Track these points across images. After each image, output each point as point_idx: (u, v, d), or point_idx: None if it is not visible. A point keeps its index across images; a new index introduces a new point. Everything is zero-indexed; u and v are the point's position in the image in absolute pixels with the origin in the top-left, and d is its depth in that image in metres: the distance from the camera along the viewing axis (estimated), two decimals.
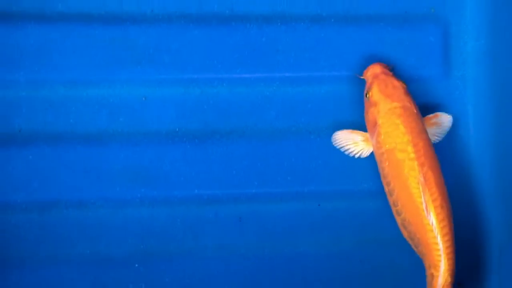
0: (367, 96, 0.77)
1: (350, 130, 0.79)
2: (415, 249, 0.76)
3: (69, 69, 0.77)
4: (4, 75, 0.76)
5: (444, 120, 0.80)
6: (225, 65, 0.79)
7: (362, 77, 0.79)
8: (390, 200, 0.76)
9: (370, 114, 0.77)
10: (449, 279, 0.73)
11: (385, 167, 0.76)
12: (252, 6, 0.80)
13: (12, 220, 0.76)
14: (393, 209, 0.76)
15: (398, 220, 0.76)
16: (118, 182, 0.77)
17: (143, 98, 0.78)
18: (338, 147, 0.79)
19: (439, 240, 0.73)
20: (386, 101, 0.76)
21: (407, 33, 0.82)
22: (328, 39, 0.81)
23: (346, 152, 0.79)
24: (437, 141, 0.80)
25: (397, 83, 0.77)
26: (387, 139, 0.75)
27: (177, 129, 0.79)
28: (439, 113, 0.80)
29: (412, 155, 0.74)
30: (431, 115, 0.79)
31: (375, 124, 0.76)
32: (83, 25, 0.77)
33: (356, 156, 0.79)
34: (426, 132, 0.76)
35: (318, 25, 0.81)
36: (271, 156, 0.80)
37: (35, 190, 0.76)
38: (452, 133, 0.81)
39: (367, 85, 0.78)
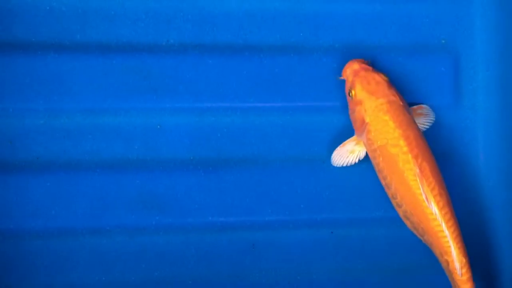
0: (351, 95, 0.77)
1: (341, 145, 0.79)
2: (420, 238, 0.76)
3: (87, 98, 0.78)
4: (23, 104, 0.77)
5: (428, 111, 0.81)
6: (239, 94, 0.80)
7: (341, 78, 0.79)
8: (389, 193, 0.77)
9: (357, 113, 0.77)
10: (464, 260, 0.74)
11: (380, 163, 0.76)
12: (266, 36, 0.81)
13: (30, 247, 0.77)
14: (393, 202, 0.77)
15: (400, 212, 0.77)
16: (133, 210, 0.78)
17: (158, 126, 0.80)
18: (340, 165, 0.79)
19: (444, 227, 0.73)
20: (371, 98, 0.76)
21: (418, 63, 0.83)
22: (340, 69, 0.82)
23: (348, 163, 0.79)
24: (425, 129, 0.80)
25: (379, 78, 0.77)
26: (377, 136, 0.75)
27: (191, 157, 0.80)
28: (424, 105, 0.81)
29: (405, 149, 0.74)
30: (416, 106, 0.80)
31: (363, 122, 0.76)
32: (100, 54, 0.79)
33: (355, 161, 0.79)
34: (415, 123, 0.76)
35: (330, 55, 0.82)
36: (284, 183, 0.81)
37: (53, 217, 0.77)
38: (462, 162, 0.82)
39: (349, 83, 0.78)
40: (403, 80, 0.83)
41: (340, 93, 0.81)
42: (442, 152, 0.81)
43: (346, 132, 0.81)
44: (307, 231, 0.80)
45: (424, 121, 0.80)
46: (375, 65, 0.81)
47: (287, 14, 0.82)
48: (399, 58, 0.83)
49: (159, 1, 0.80)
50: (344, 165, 0.79)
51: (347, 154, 0.79)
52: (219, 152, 0.80)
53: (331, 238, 0.80)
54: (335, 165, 0.80)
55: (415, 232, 0.77)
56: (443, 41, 0.84)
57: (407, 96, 0.82)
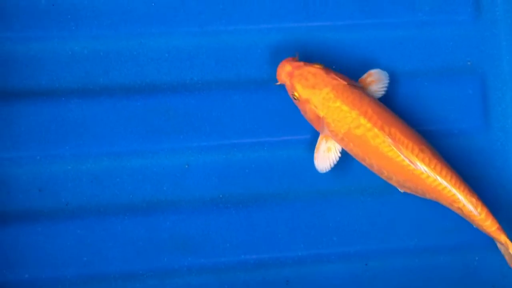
0: (295, 97, 0.76)
1: (315, 151, 0.77)
2: (423, 196, 0.75)
3: (113, 141, 0.78)
4: (50, 151, 0.77)
5: (379, 77, 0.78)
6: (266, 128, 0.79)
7: (278, 83, 0.77)
8: (375, 171, 0.76)
9: (309, 111, 0.76)
10: (473, 200, 0.73)
11: (352, 148, 0.75)
12: None
13: None
14: (382, 177, 0.76)
15: (394, 183, 0.76)
16: (165, 252, 0.77)
17: (186, 166, 0.79)
18: (326, 169, 0.78)
19: (440, 180, 0.73)
20: (315, 92, 0.74)
21: (444, 87, 0.82)
22: None
23: (334, 162, 0.77)
24: (382, 95, 0.78)
25: (313, 69, 0.75)
26: (338, 125, 0.74)
27: (220, 195, 0.79)
28: (371, 71, 0.78)
29: (369, 125, 0.73)
30: (364, 75, 0.78)
31: (318, 118, 0.75)
32: (125, 97, 0.79)
33: (339, 157, 0.77)
34: (367, 95, 0.75)
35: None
36: (315, 217, 0.80)
37: (85, 264, 0.76)
38: (495, 185, 0.81)
39: (288, 86, 0.76)
40: (431, 105, 0.82)
41: None
42: (474, 176, 0.80)
43: None
44: (341, 264, 0.79)
45: (378, 87, 0.78)
46: (391, 88, 0.80)
47: (311, 43, 0.81)
48: (425, 83, 0.82)
49: (180, 39, 0.80)
50: (332, 165, 0.77)
51: (326, 154, 0.77)
52: (248, 188, 0.79)
53: (366, 270, 0.79)
54: (324, 171, 0.78)
55: (415, 194, 0.76)
56: (469, 63, 0.83)
57: (435, 120, 0.81)
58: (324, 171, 0.78)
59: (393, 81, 0.81)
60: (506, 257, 0.76)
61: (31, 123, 0.77)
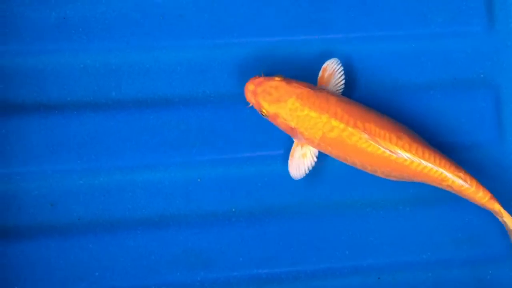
0: (264, 114, 0.75)
1: (290, 158, 0.77)
2: (412, 181, 0.75)
3: (125, 155, 0.78)
4: (62, 165, 0.77)
5: (332, 66, 0.78)
6: (278, 142, 0.79)
7: (250, 106, 0.77)
8: (358, 167, 0.75)
9: (281, 125, 0.75)
10: (461, 174, 0.73)
11: (331, 151, 0.75)
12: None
13: None
14: (367, 171, 0.76)
15: (380, 175, 0.76)
16: (177, 266, 0.77)
17: (198, 180, 0.79)
18: (301, 176, 0.77)
19: (424, 163, 0.73)
20: (280, 105, 0.74)
21: (457, 100, 0.82)
22: (378, 110, 0.81)
23: (310, 167, 0.77)
24: (343, 83, 0.77)
25: (274, 83, 0.75)
26: (311, 131, 0.74)
27: (233, 209, 0.79)
28: (324, 66, 0.78)
29: (342, 126, 0.73)
30: (320, 73, 0.78)
31: (292, 129, 0.75)
32: (137, 110, 0.78)
33: (315, 162, 0.77)
34: (331, 93, 0.75)
35: (369, 95, 0.81)
36: (327, 230, 0.79)
37: (97, 279, 0.76)
38: (509, 197, 0.80)
39: (255, 105, 0.76)
40: (443, 117, 0.81)
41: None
42: (487, 189, 0.79)
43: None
44: (354, 277, 0.79)
45: (337, 79, 0.78)
46: (408, 101, 0.80)
47: (324, 56, 0.81)
48: (438, 95, 0.82)
49: (192, 52, 0.80)
50: (307, 171, 0.77)
51: (301, 160, 0.77)
52: (260, 202, 0.79)
53: (379, 284, 0.79)
54: (299, 177, 0.77)
55: (402, 179, 0.76)
56: (481, 76, 0.82)
57: (448, 133, 0.81)
58: (299, 178, 0.77)
59: (406, 93, 0.81)
60: (509, 233, 0.76)
61: (42, 137, 0.77)
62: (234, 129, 0.79)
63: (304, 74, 0.80)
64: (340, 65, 0.78)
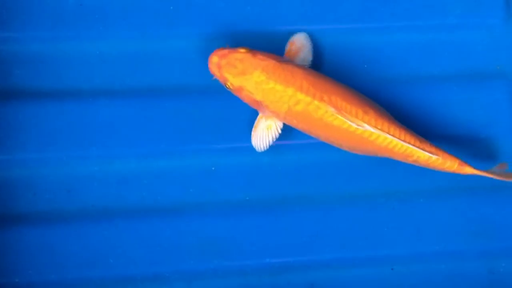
0: (229, 87, 0.75)
1: (253, 129, 0.76)
2: (376, 155, 0.75)
3: (140, 143, 0.78)
4: (77, 152, 0.77)
5: (301, 41, 0.77)
6: (293, 131, 0.79)
7: (214, 78, 0.76)
8: (323, 140, 0.75)
9: (246, 97, 0.75)
10: (426, 148, 0.73)
11: (298, 124, 0.74)
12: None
13: None
14: (333, 145, 0.75)
15: (345, 149, 0.75)
16: (191, 254, 0.77)
17: (213, 168, 0.79)
18: (264, 147, 0.77)
19: (390, 137, 0.72)
20: (245, 78, 0.73)
21: (473, 91, 0.81)
22: (394, 101, 0.80)
23: (274, 139, 0.76)
24: (311, 59, 0.77)
25: (239, 55, 0.73)
26: (276, 105, 0.73)
27: (247, 198, 0.79)
28: (292, 40, 0.77)
29: (308, 99, 0.72)
30: (287, 47, 0.77)
31: (257, 102, 0.74)
32: (152, 98, 0.78)
33: (279, 134, 0.76)
34: (299, 67, 0.74)
35: (384, 86, 0.80)
36: (341, 221, 0.79)
37: (111, 266, 0.76)
38: None
39: (220, 78, 0.75)
40: (460, 109, 0.81)
41: None
42: (502, 182, 0.79)
43: (400, 167, 0.79)
44: (367, 268, 0.79)
45: (305, 53, 0.77)
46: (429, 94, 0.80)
47: (340, 45, 0.80)
48: (454, 87, 0.81)
49: (208, 40, 0.79)
50: (270, 143, 0.77)
51: (265, 132, 0.76)
52: (274, 191, 0.79)
53: (392, 274, 0.79)
54: (262, 150, 0.77)
55: (371, 155, 0.76)
56: (498, 67, 0.82)
57: (464, 125, 0.80)
58: (262, 150, 0.77)
59: (422, 84, 0.81)
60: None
61: (58, 123, 0.77)
62: (248, 118, 0.79)
63: (318, 64, 0.80)
64: (309, 40, 0.77)
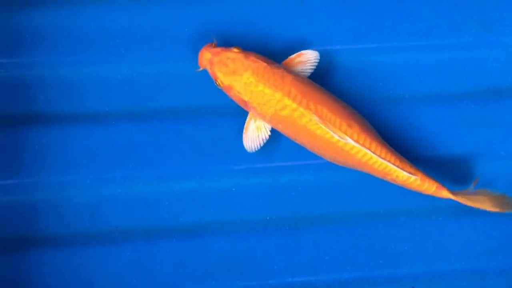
0: (218, 84, 0.75)
1: (244, 131, 0.77)
2: (356, 169, 0.75)
3: (161, 164, 0.79)
4: (101, 174, 0.78)
5: (310, 56, 0.78)
6: (311, 153, 0.79)
7: (200, 69, 0.77)
8: (308, 149, 0.76)
9: (234, 97, 0.75)
10: (406, 168, 0.73)
11: (282, 129, 0.75)
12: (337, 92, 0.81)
13: None
14: (315, 153, 0.76)
15: (327, 159, 0.76)
16: (213, 274, 0.78)
17: (233, 189, 0.79)
18: (255, 149, 0.77)
19: (370, 153, 0.72)
20: (236, 78, 0.74)
21: (491, 110, 0.82)
22: (411, 120, 0.81)
23: (264, 140, 0.77)
24: (307, 75, 0.77)
25: (232, 54, 0.74)
26: (263, 107, 0.73)
27: (267, 217, 0.80)
28: (301, 52, 0.78)
29: (294, 105, 0.72)
30: (294, 55, 0.77)
31: (245, 102, 0.75)
32: (173, 120, 0.79)
33: (269, 135, 0.77)
34: (290, 73, 0.74)
35: (402, 106, 0.81)
36: (361, 239, 0.80)
37: (135, 287, 0.77)
38: None
39: (211, 75, 0.76)
40: (477, 127, 0.81)
41: (413, 144, 0.81)
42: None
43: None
44: (388, 287, 0.79)
45: (304, 68, 0.77)
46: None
47: (357, 66, 0.81)
48: (472, 105, 0.82)
49: None
50: (262, 144, 0.77)
51: (255, 133, 0.77)
52: (295, 211, 0.80)
53: None
54: (253, 151, 0.77)
55: (351, 168, 0.76)
56: None
57: (482, 143, 0.81)
58: (253, 151, 0.77)
59: (440, 103, 0.81)
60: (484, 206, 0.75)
61: (81, 147, 0.78)
62: (268, 139, 0.80)
63: (337, 84, 0.81)
64: (317, 59, 0.78)
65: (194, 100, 0.80)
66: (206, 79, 0.80)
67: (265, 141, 0.77)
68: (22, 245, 0.77)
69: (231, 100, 0.79)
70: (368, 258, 0.79)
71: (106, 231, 0.78)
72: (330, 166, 0.80)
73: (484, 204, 0.74)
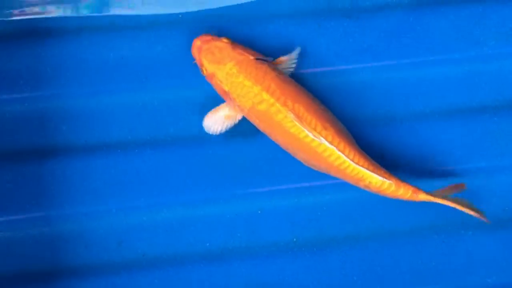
0: (203, 71, 0.76)
1: (213, 110, 0.77)
2: (329, 173, 0.75)
3: (185, 190, 0.79)
4: (126, 203, 0.78)
5: (291, 53, 0.78)
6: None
7: (194, 62, 0.77)
8: (282, 147, 0.75)
9: (215, 86, 0.76)
10: (380, 174, 0.72)
11: (258, 124, 0.75)
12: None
13: None
14: (289, 152, 0.75)
15: (300, 160, 0.75)
16: None
17: (259, 212, 0.79)
18: (215, 132, 0.77)
19: (344, 157, 0.72)
20: (219, 67, 0.74)
21: None
22: (434, 135, 0.81)
23: (226, 128, 0.77)
24: (291, 72, 0.78)
25: (220, 44, 0.75)
26: (242, 100, 0.74)
27: (294, 239, 0.79)
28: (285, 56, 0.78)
29: (271, 101, 0.72)
30: (283, 57, 0.78)
31: (225, 92, 0.75)
32: (196, 145, 0.79)
33: (234, 125, 0.77)
34: (273, 69, 0.74)
35: (423, 122, 0.81)
36: (391, 257, 0.79)
37: None
38: None
39: (197, 62, 0.76)
40: (501, 140, 0.81)
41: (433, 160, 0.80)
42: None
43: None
44: None
45: (287, 64, 0.78)
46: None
47: (377, 83, 0.81)
48: (493, 118, 0.81)
49: None
50: (222, 131, 0.77)
51: (222, 120, 0.77)
52: (321, 231, 0.79)
53: None
54: (211, 132, 0.77)
55: (321, 171, 0.75)
56: None
57: (505, 156, 0.80)
58: (210, 133, 0.77)
59: (461, 116, 0.81)
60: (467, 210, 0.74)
61: (105, 176, 0.78)
62: (292, 160, 0.79)
63: (357, 101, 0.81)
64: (296, 54, 0.78)
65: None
66: None
67: (226, 129, 0.77)
68: (50, 277, 0.77)
69: (253, 125, 0.79)
70: (397, 276, 0.79)
71: (133, 259, 0.77)
72: (354, 186, 0.79)
73: (461, 203, 0.74)
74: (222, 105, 0.77)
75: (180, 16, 0.81)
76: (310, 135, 0.72)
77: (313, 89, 0.80)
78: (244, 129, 0.79)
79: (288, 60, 0.78)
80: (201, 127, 0.79)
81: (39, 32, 0.80)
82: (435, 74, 0.82)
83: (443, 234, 0.79)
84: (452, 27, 0.82)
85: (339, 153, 0.72)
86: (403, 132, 0.81)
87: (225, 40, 0.76)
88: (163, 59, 0.80)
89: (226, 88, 0.75)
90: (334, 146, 0.72)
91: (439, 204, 0.78)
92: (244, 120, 0.79)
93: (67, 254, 0.77)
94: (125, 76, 0.80)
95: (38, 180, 0.78)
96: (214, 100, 0.79)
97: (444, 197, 0.74)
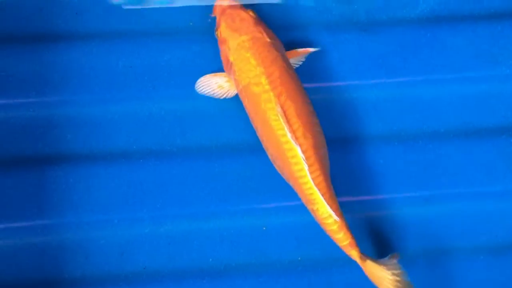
0: (217, 34, 0.74)
1: (212, 74, 0.76)
2: (287, 180, 0.72)
3: (190, 203, 0.77)
4: (128, 214, 0.77)
5: (307, 50, 0.77)
6: (342, 189, 0.77)
7: (213, 15, 0.76)
8: (258, 135, 0.73)
9: (222, 52, 0.74)
10: (332, 206, 0.69)
11: (246, 105, 0.72)
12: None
13: None
14: (263, 146, 0.73)
15: (269, 156, 0.73)
16: None
17: (263, 228, 0.77)
18: (203, 93, 0.76)
19: (305, 172, 0.69)
20: (234, 36, 0.72)
21: None
22: (447, 155, 0.79)
23: (213, 95, 0.76)
24: (297, 66, 0.76)
25: (245, 15, 0.73)
26: (241, 75, 0.71)
27: (299, 258, 0.77)
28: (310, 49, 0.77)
29: (267, 87, 0.70)
30: (300, 49, 0.77)
31: (228, 61, 0.73)
32: (202, 158, 0.78)
33: (222, 97, 0.76)
34: (283, 60, 0.72)
35: (438, 141, 0.79)
36: None
37: None
38: None
39: (216, 22, 0.74)
40: None
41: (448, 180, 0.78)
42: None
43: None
44: None
45: (297, 60, 0.77)
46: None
47: (391, 100, 0.79)
48: (511, 139, 0.79)
49: None
50: (208, 95, 0.76)
51: (215, 86, 0.76)
52: (326, 250, 0.77)
53: None
54: (199, 92, 0.76)
55: (283, 177, 0.73)
56: None
57: None
58: (197, 91, 0.77)
59: (477, 136, 0.79)
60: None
61: (109, 186, 0.77)
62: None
63: (372, 117, 0.79)
64: (305, 56, 0.77)
65: (222, 138, 0.78)
66: (235, 116, 0.78)
67: (214, 96, 0.76)
68: (49, 286, 0.75)
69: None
70: None
71: (134, 272, 0.76)
72: (360, 203, 0.78)
73: (383, 281, 0.70)
74: (222, 74, 0.76)
75: (191, 24, 0.80)
76: (288, 136, 0.70)
77: (324, 103, 0.79)
78: (251, 144, 0.78)
79: (300, 54, 0.77)
80: (208, 139, 0.78)
81: (48, 38, 0.79)
82: (451, 92, 0.80)
83: (454, 259, 0.77)
84: (469, 45, 0.80)
85: (305, 166, 0.69)
86: (416, 150, 0.79)
87: (251, 13, 0.74)
88: (172, 68, 0.79)
89: (231, 58, 0.73)
90: (304, 157, 0.69)
91: (450, 227, 0.76)
92: (252, 134, 0.77)
93: (67, 263, 0.76)
94: (132, 84, 0.79)
95: (40, 188, 0.76)
96: (223, 111, 0.78)
97: (371, 267, 0.70)
